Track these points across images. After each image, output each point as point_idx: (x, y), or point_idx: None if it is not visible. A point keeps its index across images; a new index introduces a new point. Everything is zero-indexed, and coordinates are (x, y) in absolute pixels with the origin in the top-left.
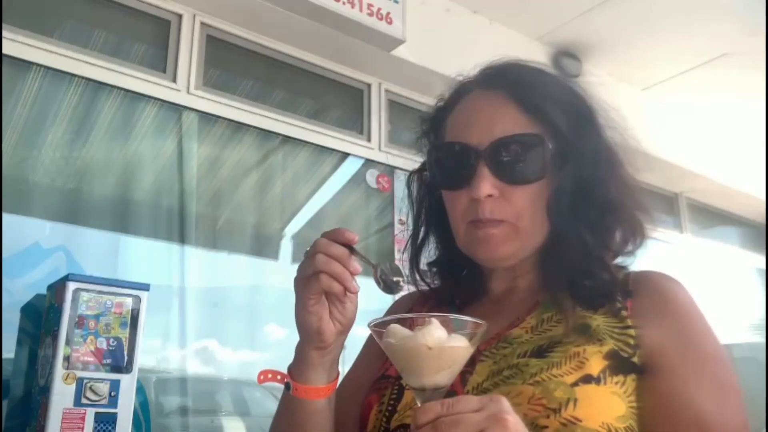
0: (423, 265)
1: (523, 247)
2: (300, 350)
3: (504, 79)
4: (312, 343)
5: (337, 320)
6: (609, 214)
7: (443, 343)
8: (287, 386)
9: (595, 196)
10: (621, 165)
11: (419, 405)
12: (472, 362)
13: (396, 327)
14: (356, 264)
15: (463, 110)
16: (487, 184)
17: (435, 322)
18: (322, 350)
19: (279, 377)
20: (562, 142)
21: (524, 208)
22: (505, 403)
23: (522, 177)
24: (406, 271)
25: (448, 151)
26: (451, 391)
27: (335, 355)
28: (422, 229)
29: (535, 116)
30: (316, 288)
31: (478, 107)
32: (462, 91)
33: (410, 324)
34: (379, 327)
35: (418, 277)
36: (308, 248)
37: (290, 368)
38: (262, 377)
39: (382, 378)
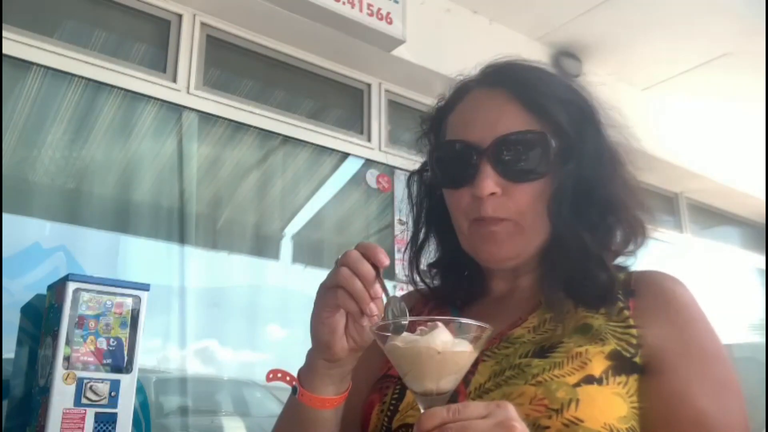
0: (423, 265)
1: (525, 247)
2: (309, 356)
3: (505, 78)
4: (321, 353)
5: (351, 337)
6: (610, 214)
7: (450, 348)
8: (294, 390)
9: (597, 195)
10: (623, 164)
11: (422, 410)
12: (474, 362)
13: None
14: (378, 288)
15: (464, 109)
16: (490, 182)
17: (441, 326)
18: (330, 362)
19: (288, 378)
20: (564, 139)
21: (527, 206)
22: (512, 410)
23: (525, 174)
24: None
25: (449, 149)
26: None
27: (346, 370)
28: (422, 229)
29: (538, 114)
30: (333, 301)
31: (479, 105)
32: (463, 91)
33: (412, 327)
34: (381, 330)
35: (417, 278)
36: (339, 256)
37: (300, 372)
38: (271, 375)
39: (383, 378)
